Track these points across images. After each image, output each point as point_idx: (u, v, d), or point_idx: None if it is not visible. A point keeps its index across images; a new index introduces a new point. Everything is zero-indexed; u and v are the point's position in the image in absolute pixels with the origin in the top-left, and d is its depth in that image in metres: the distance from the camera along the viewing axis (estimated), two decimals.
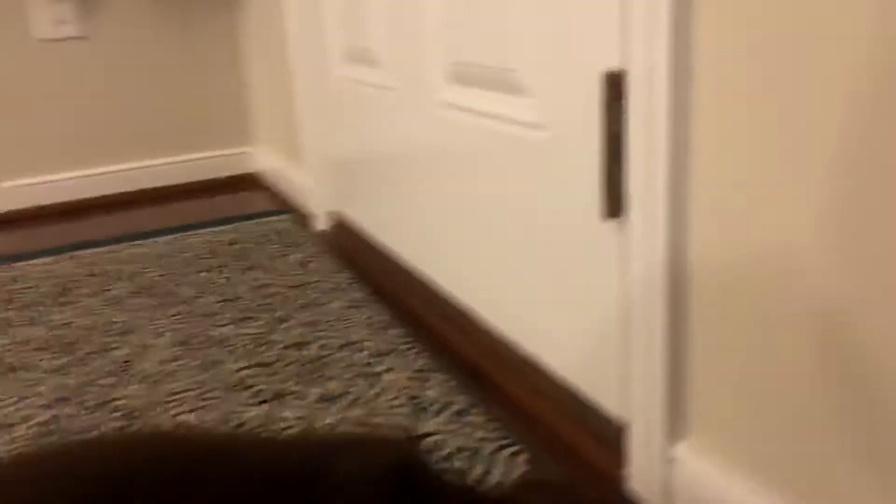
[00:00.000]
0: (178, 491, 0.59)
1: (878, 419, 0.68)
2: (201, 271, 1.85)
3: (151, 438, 0.76)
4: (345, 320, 1.53)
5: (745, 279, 0.79)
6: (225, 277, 1.80)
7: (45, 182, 2.50)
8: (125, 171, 2.60)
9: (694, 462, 0.89)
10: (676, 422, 0.92)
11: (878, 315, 0.66)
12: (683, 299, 0.88)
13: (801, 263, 0.72)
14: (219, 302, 1.66)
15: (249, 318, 1.57)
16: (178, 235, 2.13)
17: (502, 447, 1.10)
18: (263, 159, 2.69)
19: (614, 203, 0.93)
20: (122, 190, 2.60)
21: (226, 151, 2.76)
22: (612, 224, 0.98)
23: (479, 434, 1.14)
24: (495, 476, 1.03)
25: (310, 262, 1.87)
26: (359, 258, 1.87)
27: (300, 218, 2.22)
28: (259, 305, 1.63)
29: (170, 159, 2.66)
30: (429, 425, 1.17)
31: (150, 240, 2.11)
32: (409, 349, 1.39)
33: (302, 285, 1.72)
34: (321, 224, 2.12)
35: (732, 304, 0.81)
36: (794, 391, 0.76)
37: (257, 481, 0.62)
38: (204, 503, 0.59)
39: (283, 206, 2.36)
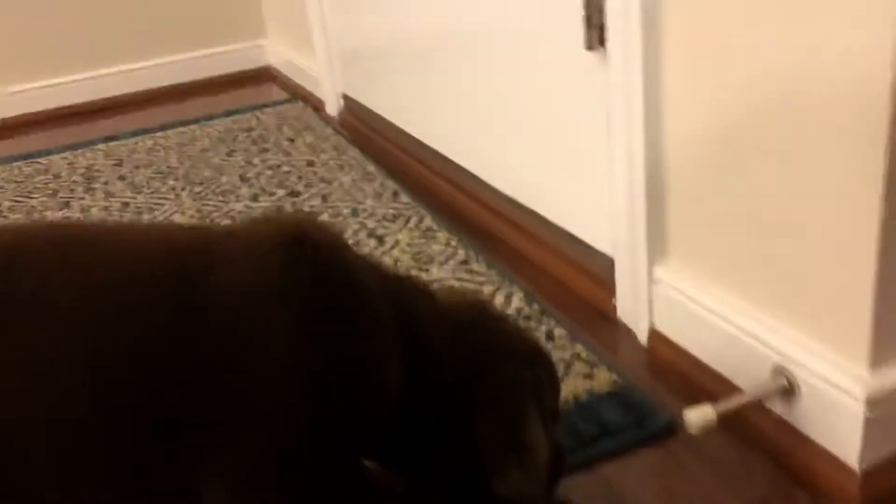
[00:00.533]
0: (60, 272, 0.60)
1: (795, 259, 0.73)
2: (219, 156, 1.91)
3: (47, 226, 0.74)
4: (356, 191, 1.59)
5: (714, 117, 0.83)
6: (243, 160, 1.86)
7: (61, 83, 2.56)
8: (139, 70, 2.64)
9: (672, 280, 0.96)
10: (657, 249, 0.98)
11: (805, 162, 0.70)
12: (658, 134, 0.92)
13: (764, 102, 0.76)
14: (236, 181, 1.73)
15: (265, 193, 1.64)
16: (196, 126, 2.19)
17: (500, 288, 1.18)
18: (276, 51, 2.71)
19: (595, 34, 0.97)
20: (137, 89, 2.64)
21: (239, 46, 2.78)
22: (595, 57, 1.01)
23: (480, 279, 1.21)
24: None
25: (323, 143, 1.92)
26: (369, 137, 1.92)
27: (313, 104, 2.27)
28: (274, 183, 1.70)
29: (183, 56, 2.69)
30: (433, 274, 1.24)
31: (170, 131, 2.17)
32: (417, 213, 1.46)
33: (315, 163, 1.78)
34: (333, 109, 2.17)
35: (703, 140, 0.85)
36: (750, 219, 0.81)
37: (142, 256, 0.62)
38: (85, 281, 0.59)
39: (297, 95, 2.40)
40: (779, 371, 0.80)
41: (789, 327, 0.81)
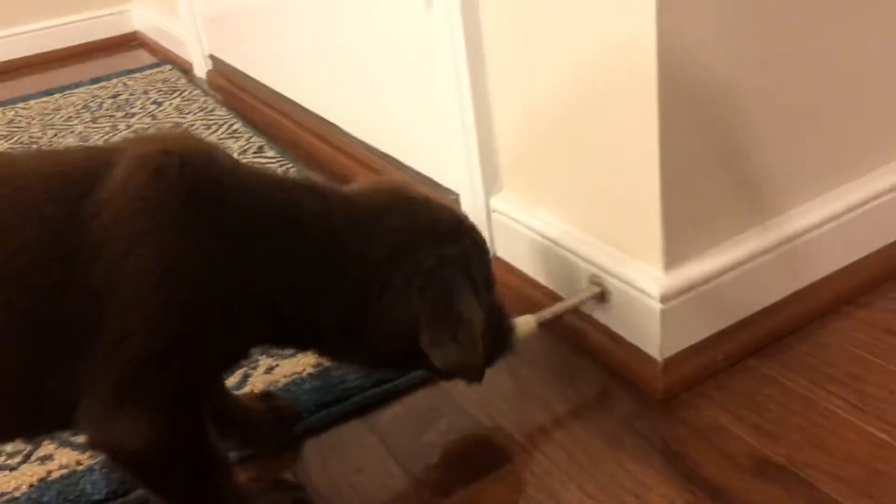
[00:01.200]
0: None
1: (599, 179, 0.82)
2: (84, 124, 1.89)
3: None
4: (222, 149, 1.61)
5: (532, 68, 0.90)
6: (108, 126, 1.84)
7: None
8: (2, 39, 2.55)
9: (506, 210, 1.04)
10: (492, 184, 1.05)
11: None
12: (484, 83, 0.99)
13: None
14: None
15: None
16: (59, 95, 2.14)
17: None
18: (143, 16, 2.65)
19: None
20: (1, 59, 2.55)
21: (105, 11, 2.71)
22: (430, 15, 1.07)
23: None
24: None
25: (190, 105, 1.92)
26: (237, 96, 1.93)
27: (181, 68, 2.25)
28: None
29: (47, 23, 2.61)
30: None
31: (32, 101, 2.11)
32: (282, 165, 1.50)
33: (182, 125, 1.79)
34: (201, 71, 2.16)
35: (524, 87, 0.93)
36: (568, 155, 0.89)
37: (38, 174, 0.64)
38: None
39: (166, 60, 2.37)
40: (593, 280, 0.89)
41: (601, 242, 0.90)
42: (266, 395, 0.88)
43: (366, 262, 0.69)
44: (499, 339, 0.79)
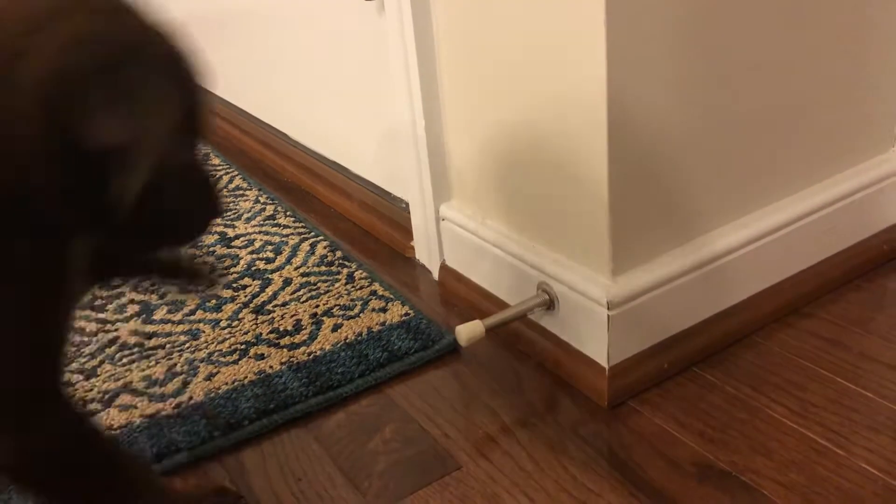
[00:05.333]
0: None
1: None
2: None
3: None
4: None
5: (479, 69, 0.90)
6: None
7: None
8: None
9: (456, 219, 1.03)
10: (442, 192, 1.05)
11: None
12: (436, 96, 0.98)
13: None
14: None
15: None
16: None
17: (305, 239, 1.22)
18: None
19: None
20: None
21: None
22: (382, 18, 1.06)
23: (288, 231, 1.25)
24: (301, 260, 1.15)
25: None
26: None
27: None
28: None
29: None
30: (238, 229, 1.26)
31: None
32: (227, 173, 1.47)
33: None
34: None
35: (474, 94, 0.93)
36: (518, 166, 0.89)
37: None
38: None
39: None
40: (541, 287, 0.89)
41: (550, 251, 0.90)
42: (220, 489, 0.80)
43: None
44: (201, 196, 0.61)
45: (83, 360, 0.97)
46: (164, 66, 0.57)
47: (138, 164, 0.51)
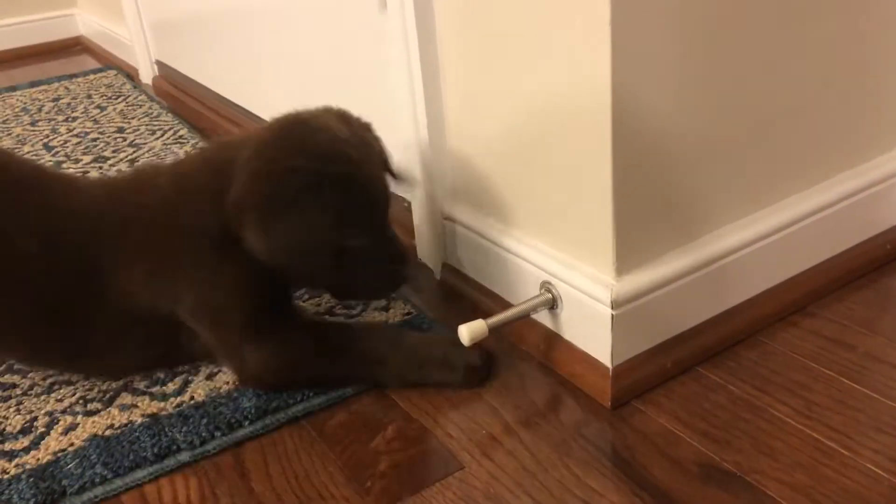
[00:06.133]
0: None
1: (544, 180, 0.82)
2: (21, 126, 1.83)
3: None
4: (166, 155, 1.57)
5: (479, 68, 0.90)
6: (48, 129, 1.79)
7: None
8: None
9: (461, 219, 1.03)
10: (447, 194, 1.04)
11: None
12: (438, 93, 0.98)
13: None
14: (40, 150, 1.66)
15: (70, 160, 1.59)
16: None
17: None
18: (88, 21, 2.59)
19: None
20: None
21: (50, 14, 2.64)
22: (383, 16, 1.06)
23: None
24: None
25: (135, 110, 1.88)
26: (184, 102, 1.89)
27: (126, 73, 2.20)
28: (80, 150, 1.64)
29: None
30: None
31: None
32: None
33: (126, 130, 1.74)
34: (147, 76, 2.11)
35: (474, 91, 0.92)
36: (522, 166, 0.88)
37: None
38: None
39: (109, 64, 2.32)
40: (544, 287, 0.89)
41: (554, 250, 0.89)
42: None
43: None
44: (381, 269, 0.88)
45: None
46: (316, 188, 0.82)
47: (272, 259, 0.83)
